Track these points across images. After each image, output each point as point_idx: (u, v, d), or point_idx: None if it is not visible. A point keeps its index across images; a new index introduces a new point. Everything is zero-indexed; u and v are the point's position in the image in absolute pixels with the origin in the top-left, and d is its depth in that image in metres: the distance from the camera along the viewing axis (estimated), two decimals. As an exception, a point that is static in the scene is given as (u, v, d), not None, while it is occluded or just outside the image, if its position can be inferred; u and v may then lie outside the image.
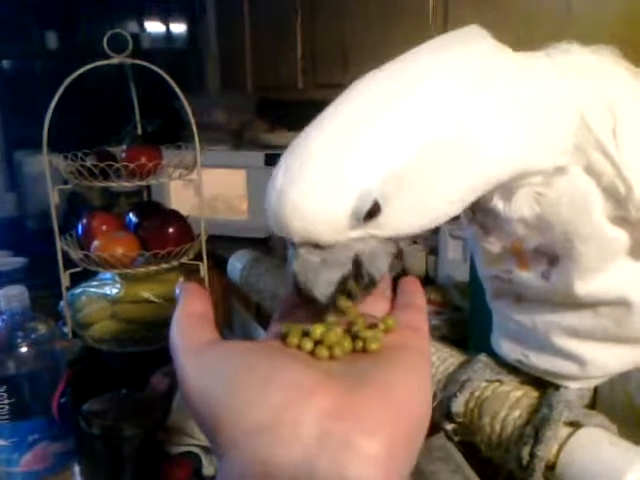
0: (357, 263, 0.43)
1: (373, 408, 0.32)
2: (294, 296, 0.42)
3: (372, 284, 0.43)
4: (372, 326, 0.39)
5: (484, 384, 0.60)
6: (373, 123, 0.41)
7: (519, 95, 0.44)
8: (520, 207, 0.48)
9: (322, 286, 0.42)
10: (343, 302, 0.42)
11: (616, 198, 0.48)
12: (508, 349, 0.59)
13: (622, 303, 0.51)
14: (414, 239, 2.12)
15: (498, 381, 0.60)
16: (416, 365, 0.37)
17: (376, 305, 0.44)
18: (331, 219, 0.40)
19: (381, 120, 0.41)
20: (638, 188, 0.46)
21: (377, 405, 0.32)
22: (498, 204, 0.49)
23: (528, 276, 0.54)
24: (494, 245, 0.54)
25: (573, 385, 0.57)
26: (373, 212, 0.40)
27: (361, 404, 0.32)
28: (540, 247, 0.52)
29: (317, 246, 0.41)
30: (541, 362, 0.57)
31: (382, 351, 0.37)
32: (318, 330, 0.37)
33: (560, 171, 0.47)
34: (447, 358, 0.64)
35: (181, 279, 0.47)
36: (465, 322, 1.70)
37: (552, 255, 0.52)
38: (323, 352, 0.36)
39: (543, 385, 0.59)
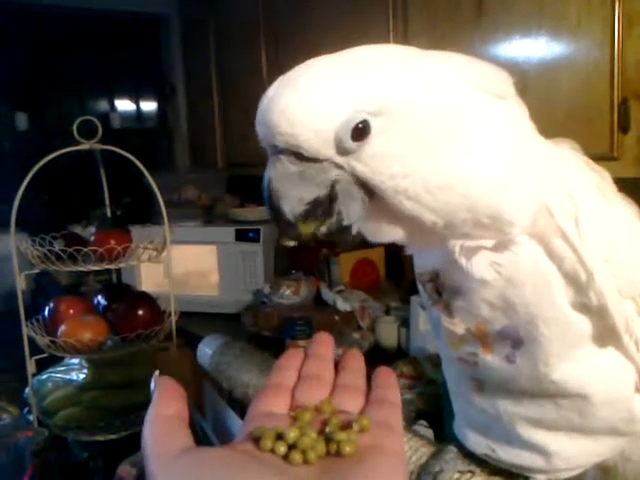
0: (331, 197, 0.43)
1: None
2: (268, 392, 0.41)
3: (338, 227, 0.44)
4: (346, 426, 0.38)
5: (456, 475, 0.60)
6: (383, 59, 0.43)
7: (515, 141, 0.47)
8: (479, 269, 0.49)
9: (293, 201, 0.42)
10: (306, 228, 0.43)
11: (577, 284, 0.49)
12: (475, 442, 0.59)
13: (581, 396, 0.52)
14: (387, 309, 2.12)
15: (470, 472, 0.60)
16: (391, 469, 0.36)
17: (351, 400, 0.43)
18: (319, 127, 0.41)
19: (391, 60, 0.43)
20: (599, 275, 0.48)
21: None
22: (461, 259, 0.50)
23: (493, 359, 0.55)
24: (458, 327, 0.55)
25: (540, 477, 0.56)
26: (361, 132, 0.41)
27: None
28: (504, 330, 0.53)
29: (299, 157, 0.42)
30: (507, 456, 0.57)
31: (356, 454, 0.36)
32: (292, 434, 0.36)
33: (513, 245, 0.49)
34: (419, 448, 0.64)
35: (157, 372, 0.45)
36: (439, 395, 1.69)
37: (516, 338, 0.53)
38: (297, 457, 0.35)
39: (514, 474, 0.58)
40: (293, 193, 0.42)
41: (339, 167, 0.43)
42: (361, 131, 0.42)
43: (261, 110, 0.43)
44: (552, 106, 1.49)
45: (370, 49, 0.45)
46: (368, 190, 0.45)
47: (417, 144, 0.43)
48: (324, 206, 0.44)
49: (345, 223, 0.44)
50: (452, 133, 0.44)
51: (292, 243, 0.53)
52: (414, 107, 0.43)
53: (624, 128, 1.38)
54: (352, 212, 0.44)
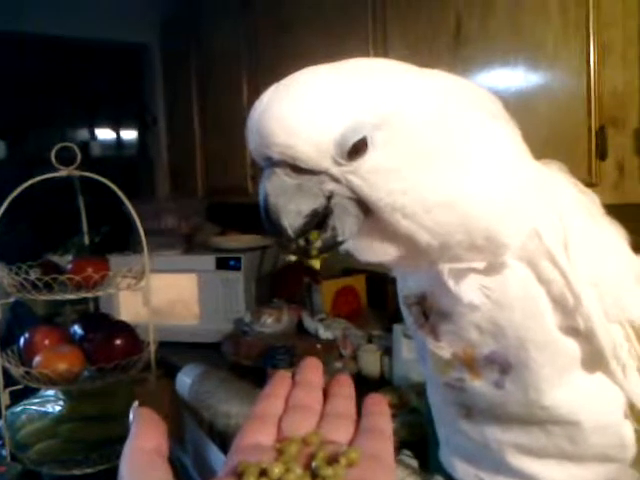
0: (326, 212, 0.42)
1: None
2: (254, 422, 0.40)
3: (333, 242, 0.42)
4: (334, 459, 0.36)
5: (443, 505, 0.58)
6: (381, 71, 0.42)
7: (511, 160, 0.46)
8: (467, 292, 0.48)
9: (291, 215, 0.40)
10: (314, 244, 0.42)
11: (565, 308, 0.48)
12: (462, 472, 0.58)
13: (573, 422, 0.51)
14: (369, 337, 2.11)
15: (458, 501, 0.58)
16: None
17: (340, 429, 0.40)
18: (317, 138, 0.39)
19: (389, 73, 0.42)
20: (586, 299, 0.47)
21: None
22: (450, 282, 0.49)
23: (480, 385, 0.54)
24: (445, 350, 0.54)
25: (529, 506, 0.55)
26: (359, 147, 0.40)
27: None
28: (492, 354, 0.52)
29: (295, 169, 0.40)
30: None
31: None
32: (277, 469, 0.34)
33: (504, 268, 0.48)
34: (405, 478, 0.62)
35: (136, 403, 0.43)
36: (423, 424, 1.66)
37: (504, 363, 0.52)
38: None
39: (503, 504, 0.57)
40: (291, 207, 0.41)
41: (336, 180, 0.42)
42: (360, 143, 0.41)
43: (254, 118, 0.42)
44: (530, 133, 1.49)
45: (367, 61, 0.44)
46: (363, 207, 0.44)
47: (416, 159, 0.42)
48: (319, 219, 0.43)
49: (340, 239, 0.43)
50: (451, 149, 0.43)
51: (293, 258, 0.52)
52: (414, 121, 0.42)
53: (602, 155, 1.40)
54: (347, 228, 0.43)
